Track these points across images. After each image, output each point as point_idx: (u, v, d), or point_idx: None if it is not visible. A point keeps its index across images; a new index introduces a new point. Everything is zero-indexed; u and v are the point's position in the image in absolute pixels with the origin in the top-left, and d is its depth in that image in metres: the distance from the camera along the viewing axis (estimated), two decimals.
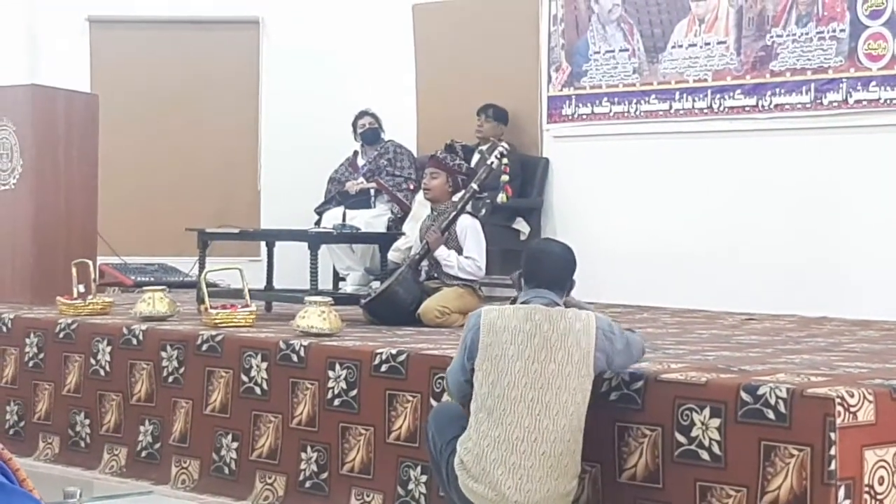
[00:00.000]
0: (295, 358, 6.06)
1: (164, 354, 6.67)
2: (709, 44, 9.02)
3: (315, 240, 7.78)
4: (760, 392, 4.50)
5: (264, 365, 6.18)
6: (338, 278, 9.74)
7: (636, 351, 4.94)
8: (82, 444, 7.02)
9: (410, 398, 5.60)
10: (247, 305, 6.89)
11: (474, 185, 7.32)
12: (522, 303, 4.84)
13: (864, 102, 8.29)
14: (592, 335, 4.67)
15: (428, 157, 7.69)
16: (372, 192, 9.81)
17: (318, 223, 9.69)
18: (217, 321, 6.70)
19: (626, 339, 4.86)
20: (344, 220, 9.44)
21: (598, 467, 4.91)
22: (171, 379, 6.63)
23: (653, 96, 9.31)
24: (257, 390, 6.21)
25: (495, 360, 4.65)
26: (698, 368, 5.03)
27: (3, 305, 7.93)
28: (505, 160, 7.77)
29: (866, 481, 4.41)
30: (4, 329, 7.53)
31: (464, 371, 4.82)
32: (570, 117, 9.77)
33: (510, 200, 8.54)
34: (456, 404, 4.99)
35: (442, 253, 7.21)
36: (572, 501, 4.72)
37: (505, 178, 7.90)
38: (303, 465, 5.97)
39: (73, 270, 7.56)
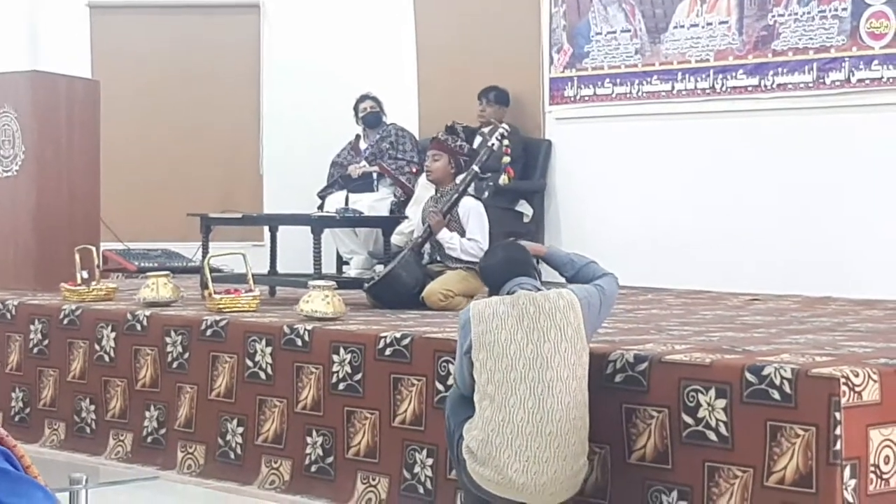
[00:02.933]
0: (299, 342, 6.07)
1: (168, 340, 6.67)
2: (711, 24, 9.00)
3: (318, 224, 7.77)
4: (765, 373, 4.50)
5: (269, 350, 6.18)
6: (341, 262, 9.74)
7: (612, 293, 5.05)
8: (88, 430, 7.03)
9: (415, 382, 5.60)
10: (250, 290, 6.89)
11: (475, 167, 7.31)
12: (507, 293, 4.89)
13: (867, 81, 8.28)
14: (578, 309, 4.73)
15: (430, 140, 7.68)
16: (374, 175, 9.79)
17: (320, 207, 9.67)
18: (221, 306, 6.70)
19: (601, 292, 4.96)
20: (347, 203, 9.44)
21: (606, 449, 4.92)
22: (175, 364, 6.63)
23: (655, 77, 9.29)
24: (262, 375, 6.21)
25: (489, 347, 4.68)
26: (703, 349, 5.03)
27: (6, 292, 7.93)
28: (506, 141, 7.76)
29: (872, 460, 4.41)
30: (9, 316, 7.53)
31: (462, 368, 4.84)
32: (573, 99, 9.76)
33: (512, 182, 8.52)
34: None
35: (444, 235, 7.20)
36: (581, 482, 4.73)
37: (506, 159, 7.88)
38: (308, 450, 5.97)
39: (77, 256, 7.56)
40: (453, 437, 4.88)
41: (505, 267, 5.07)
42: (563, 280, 5.36)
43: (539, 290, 4.89)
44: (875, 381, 4.45)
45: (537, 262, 5.36)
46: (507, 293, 4.89)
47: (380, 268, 7.97)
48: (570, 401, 4.61)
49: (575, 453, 4.62)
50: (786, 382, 4.44)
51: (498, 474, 4.59)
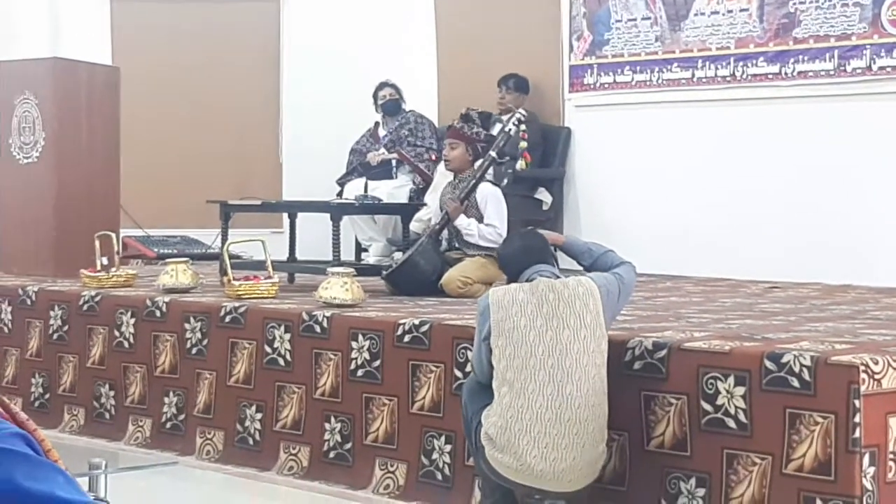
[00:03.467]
0: (318, 329, 6.07)
1: (187, 326, 6.68)
2: (731, 11, 8.97)
3: (337, 211, 7.78)
4: (784, 360, 4.49)
5: (287, 336, 6.19)
6: (360, 249, 9.74)
7: (630, 282, 5.04)
8: (107, 415, 7.05)
9: (434, 368, 5.60)
10: (269, 277, 6.90)
11: (493, 153, 7.30)
12: (526, 280, 4.89)
13: (888, 69, 8.24)
14: (597, 296, 4.74)
15: (446, 129, 7.68)
16: (394, 162, 9.79)
17: (339, 194, 9.68)
18: (240, 293, 6.72)
19: (620, 280, 4.95)
20: (366, 191, 9.44)
21: (625, 436, 4.92)
22: (194, 350, 6.65)
23: (675, 64, 9.27)
24: (280, 361, 6.22)
25: (509, 334, 4.68)
26: (722, 337, 5.03)
27: (26, 278, 7.96)
28: (523, 126, 7.74)
29: (891, 448, 4.41)
30: (29, 302, 7.56)
31: (481, 355, 4.84)
32: (592, 86, 9.73)
33: (530, 169, 8.52)
34: None
35: (462, 222, 7.19)
36: (600, 469, 4.74)
37: (523, 144, 7.88)
38: (327, 436, 5.98)
39: (97, 243, 7.58)
40: (471, 425, 4.89)
41: (523, 254, 5.06)
42: (580, 268, 5.36)
43: (558, 277, 4.88)
44: (894, 369, 4.44)
45: (555, 251, 5.36)
46: (526, 280, 4.88)
47: (398, 255, 7.98)
48: (589, 388, 4.61)
49: (594, 440, 4.62)
50: (805, 370, 4.43)
51: (517, 461, 4.59)
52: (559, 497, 4.66)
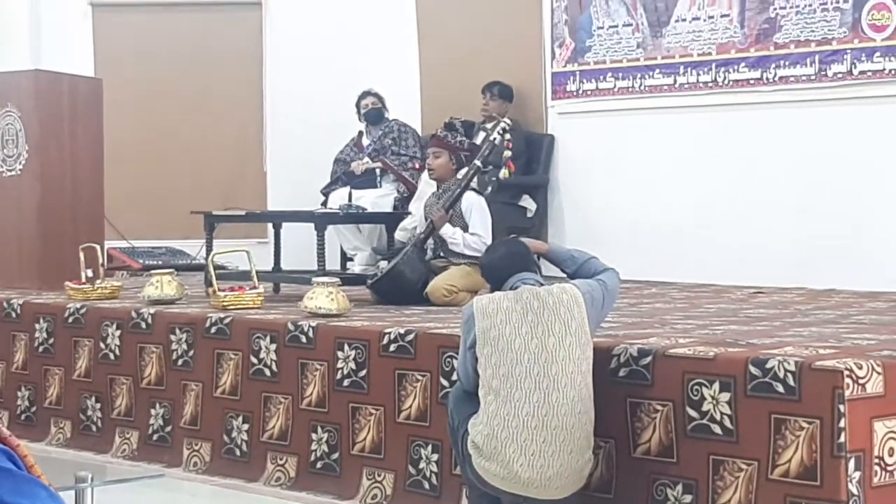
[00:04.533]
0: (304, 339, 6.08)
1: (173, 338, 6.68)
2: (712, 17, 9.00)
3: (322, 220, 7.79)
4: (769, 366, 4.50)
5: (273, 346, 6.19)
6: (345, 258, 9.74)
7: (614, 288, 5.06)
8: (94, 428, 7.04)
9: (420, 377, 5.61)
10: (255, 287, 6.90)
11: (478, 162, 7.31)
12: (510, 288, 4.90)
13: (869, 73, 8.27)
14: (581, 303, 4.74)
15: (430, 137, 7.68)
16: (377, 171, 9.79)
17: (324, 204, 9.68)
18: (225, 303, 6.71)
19: (604, 286, 4.97)
20: (350, 200, 9.44)
21: (611, 443, 4.92)
22: (180, 362, 6.64)
23: (657, 71, 9.29)
24: (267, 372, 6.22)
25: (494, 342, 4.69)
26: (706, 343, 5.04)
27: (11, 291, 7.95)
28: (507, 136, 7.76)
29: (876, 453, 4.42)
30: (14, 315, 7.54)
31: (466, 363, 4.85)
32: (575, 93, 9.75)
33: (514, 177, 8.53)
34: None
35: (447, 231, 7.21)
36: (587, 476, 4.74)
37: (507, 153, 7.89)
38: (314, 446, 5.98)
39: (81, 255, 7.57)
40: (457, 433, 4.89)
41: (506, 262, 5.08)
42: (563, 276, 5.37)
43: (542, 284, 4.89)
44: (879, 374, 4.46)
45: (538, 259, 5.37)
46: (510, 288, 4.89)
47: (383, 264, 7.97)
48: (575, 395, 4.61)
49: (580, 447, 4.62)
50: (790, 375, 4.44)
51: (504, 469, 4.60)
52: (547, 502, 4.66)
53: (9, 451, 1.57)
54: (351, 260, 9.70)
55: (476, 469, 4.70)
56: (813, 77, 8.51)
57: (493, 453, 4.62)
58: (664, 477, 4.79)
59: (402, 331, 5.74)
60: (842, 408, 4.32)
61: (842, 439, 4.31)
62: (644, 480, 4.84)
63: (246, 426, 6.28)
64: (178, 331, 6.67)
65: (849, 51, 8.34)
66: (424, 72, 10.63)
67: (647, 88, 9.35)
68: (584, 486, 4.77)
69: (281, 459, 6.11)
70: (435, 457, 5.52)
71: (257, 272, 7.04)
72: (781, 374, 4.46)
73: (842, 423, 4.31)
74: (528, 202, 9.60)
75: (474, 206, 7.24)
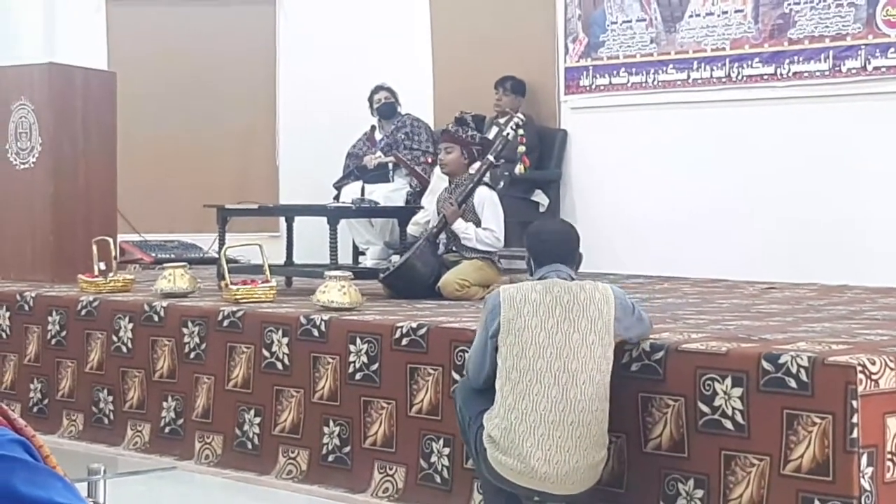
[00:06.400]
0: (316, 333, 6.08)
1: (185, 331, 6.69)
2: (726, 12, 8.98)
3: (334, 214, 7.79)
4: (782, 361, 4.50)
5: (285, 340, 6.20)
6: (357, 253, 9.75)
7: (648, 323, 4.99)
8: (106, 420, 7.06)
9: (432, 371, 5.61)
10: (267, 281, 6.91)
11: (491, 157, 7.31)
12: (539, 279, 4.86)
13: (883, 69, 8.25)
14: (612, 304, 4.70)
15: (441, 132, 7.68)
16: (390, 166, 9.79)
17: (336, 198, 9.68)
18: (238, 297, 6.72)
19: (639, 312, 4.91)
20: (362, 194, 9.45)
21: (623, 438, 4.92)
22: (192, 355, 6.65)
23: (670, 66, 9.28)
24: (279, 365, 6.22)
25: (518, 333, 4.66)
26: (719, 338, 5.03)
27: (24, 284, 7.96)
28: (521, 131, 7.76)
29: (889, 448, 4.41)
30: (26, 307, 7.56)
31: (485, 352, 4.81)
32: (588, 88, 9.75)
33: (528, 171, 8.53)
34: None
35: (460, 226, 7.20)
36: (601, 472, 4.74)
37: (522, 148, 7.89)
38: (325, 440, 5.99)
39: (94, 248, 7.58)
40: (470, 430, 4.87)
41: (557, 241, 5.02)
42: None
43: (573, 279, 4.86)
44: (892, 369, 4.45)
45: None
46: (540, 278, 4.86)
47: (396, 258, 7.99)
48: (593, 392, 4.60)
49: (596, 444, 4.62)
50: (802, 371, 4.44)
51: (521, 463, 4.59)
52: (560, 500, 4.66)
53: (25, 442, 1.57)
54: (363, 254, 9.70)
55: (491, 463, 4.69)
56: (827, 73, 8.50)
57: (509, 447, 4.61)
58: (675, 472, 4.79)
59: (414, 325, 5.74)
60: (854, 403, 4.31)
61: (854, 435, 4.31)
62: (655, 475, 4.84)
63: (258, 419, 6.29)
64: (190, 324, 6.68)
65: (863, 46, 8.32)
66: (437, 66, 10.63)
67: (660, 84, 9.34)
68: (598, 482, 4.76)
69: (293, 452, 6.12)
70: (446, 451, 5.52)
71: (270, 266, 7.05)
72: (794, 370, 4.45)
73: (854, 419, 4.31)
74: (540, 197, 9.60)
75: (487, 201, 7.24)
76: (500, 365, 4.70)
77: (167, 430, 6.73)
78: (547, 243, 5.02)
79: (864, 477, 4.32)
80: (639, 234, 9.21)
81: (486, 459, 4.72)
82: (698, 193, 9.09)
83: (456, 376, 5.46)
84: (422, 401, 5.64)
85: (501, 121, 9.44)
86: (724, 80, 9.01)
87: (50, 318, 7.40)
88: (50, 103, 8.25)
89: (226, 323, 6.51)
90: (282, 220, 8.93)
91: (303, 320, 6.15)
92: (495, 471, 4.70)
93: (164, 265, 7.53)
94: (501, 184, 8.72)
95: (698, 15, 9.13)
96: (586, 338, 4.63)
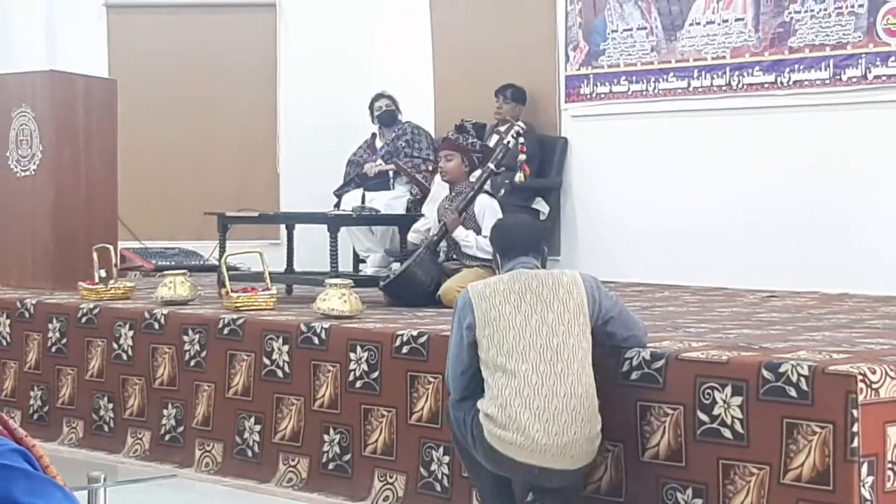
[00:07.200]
0: (316, 340, 6.08)
1: (185, 338, 6.69)
2: (727, 21, 8.99)
3: (334, 222, 7.79)
4: (782, 370, 4.50)
5: (286, 348, 6.20)
6: (358, 260, 9.75)
7: (636, 322, 5.04)
8: (106, 428, 7.06)
9: (432, 379, 5.61)
10: (267, 288, 6.91)
11: (492, 165, 7.31)
12: (506, 272, 4.93)
13: (884, 78, 8.25)
14: (581, 285, 4.80)
15: (441, 140, 7.69)
16: (391, 173, 9.80)
17: (337, 206, 9.69)
18: (238, 304, 6.72)
19: (618, 303, 4.97)
20: (363, 202, 9.45)
21: (620, 446, 4.92)
22: (193, 363, 6.65)
23: (671, 74, 9.28)
24: (279, 373, 6.22)
25: (495, 322, 4.74)
26: (719, 346, 5.03)
27: (25, 291, 7.97)
28: (521, 139, 7.77)
29: (889, 458, 4.41)
30: (27, 315, 7.56)
31: (462, 346, 4.83)
32: (589, 97, 9.75)
33: (528, 180, 8.53)
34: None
35: (460, 234, 7.21)
36: (595, 475, 4.74)
37: (522, 157, 7.89)
38: (325, 447, 5.99)
39: (95, 255, 7.58)
40: (465, 424, 4.83)
41: (523, 234, 5.15)
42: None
43: (539, 268, 4.95)
44: (892, 378, 4.45)
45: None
46: (506, 271, 4.94)
47: (396, 266, 7.99)
48: (579, 366, 4.66)
49: (591, 417, 4.64)
50: (802, 380, 4.43)
51: (521, 435, 4.59)
52: (560, 476, 4.64)
53: (25, 452, 1.58)
54: (364, 262, 9.71)
55: (489, 440, 4.67)
56: (827, 81, 8.50)
57: (507, 422, 4.62)
58: (674, 481, 4.78)
59: (414, 333, 5.74)
60: (855, 412, 4.31)
61: (855, 444, 4.31)
62: (654, 484, 4.84)
63: (258, 427, 6.29)
64: (190, 331, 6.68)
65: (863, 55, 8.32)
66: (438, 74, 10.64)
67: (660, 92, 9.34)
68: (595, 489, 4.76)
69: (293, 460, 6.12)
70: (446, 459, 5.52)
71: (270, 273, 7.05)
72: (794, 379, 4.45)
73: (855, 428, 4.30)
74: (540, 205, 9.60)
75: (487, 209, 7.24)
76: (484, 357, 4.75)
77: (167, 437, 6.73)
78: (511, 238, 5.15)
79: (864, 486, 4.32)
80: (639, 241, 9.21)
81: (482, 442, 4.70)
82: (698, 201, 9.09)
83: None
84: (422, 409, 5.64)
85: (502, 129, 9.44)
86: (724, 88, 9.01)
87: (50, 326, 7.40)
88: (51, 111, 8.26)
89: (226, 330, 6.51)
90: (282, 227, 8.94)
91: (303, 328, 6.15)
92: (493, 453, 4.67)
93: (165, 273, 7.54)
94: (502, 192, 8.72)
95: (699, 23, 9.13)
96: (561, 317, 4.71)
